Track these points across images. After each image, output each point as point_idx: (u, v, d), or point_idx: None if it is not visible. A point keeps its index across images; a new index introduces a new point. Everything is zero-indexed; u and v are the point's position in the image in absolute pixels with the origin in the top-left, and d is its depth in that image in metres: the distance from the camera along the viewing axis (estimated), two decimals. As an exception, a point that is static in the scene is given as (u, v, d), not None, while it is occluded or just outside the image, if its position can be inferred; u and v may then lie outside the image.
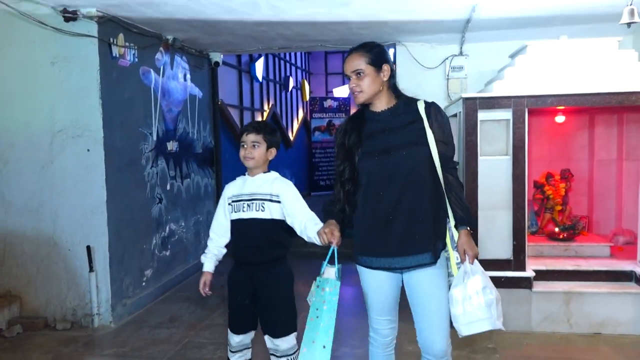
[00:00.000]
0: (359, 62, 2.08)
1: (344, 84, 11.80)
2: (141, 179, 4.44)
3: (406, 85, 2.26)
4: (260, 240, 2.37)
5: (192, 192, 5.49)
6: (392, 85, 2.14)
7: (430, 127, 2.07)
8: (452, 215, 2.07)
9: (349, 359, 3.28)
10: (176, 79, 5.11)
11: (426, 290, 2.03)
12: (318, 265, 2.13)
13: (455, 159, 2.30)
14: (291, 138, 10.02)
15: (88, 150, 3.88)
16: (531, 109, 3.67)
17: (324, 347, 1.97)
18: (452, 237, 2.06)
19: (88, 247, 3.89)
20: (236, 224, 2.43)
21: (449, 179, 2.08)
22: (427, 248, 2.02)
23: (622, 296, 3.58)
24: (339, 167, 2.13)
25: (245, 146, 2.43)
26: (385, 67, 2.11)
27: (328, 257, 2.07)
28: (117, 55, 4.07)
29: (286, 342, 2.45)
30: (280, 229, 2.41)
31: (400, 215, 2.03)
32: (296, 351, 2.48)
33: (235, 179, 2.54)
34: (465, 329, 1.94)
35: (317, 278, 2.08)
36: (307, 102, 11.44)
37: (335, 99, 11.36)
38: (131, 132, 4.28)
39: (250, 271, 2.41)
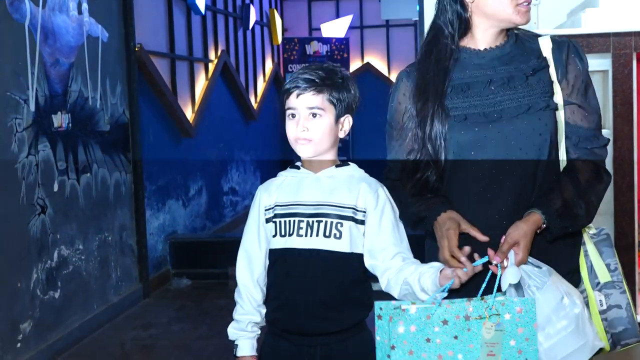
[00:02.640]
0: None
1: (337, 16, 11.80)
2: (11, 174, 4.39)
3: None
4: (332, 291, 2.13)
5: (96, 196, 5.45)
6: None
7: (560, 79, 2.02)
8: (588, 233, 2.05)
9: None
10: (65, 12, 5.06)
11: None
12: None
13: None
14: (254, 105, 10.00)
15: None
16: (641, 54, 3.68)
17: None
18: (590, 269, 2.00)
19: None
20: (282, 259, 2.17)
21: (578, 168, 2.00)
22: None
23: None
24: (406, 145, 2.07)
25: (295, 116, 2.15)
26: None
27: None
28: (-31, -26, 4.02)
29: None
30: (365, 273, 2.18)
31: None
32: None
33: (271, 170, 2.32)
34: None
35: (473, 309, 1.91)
36: (278, 46, 11.42)
37: (325, 41, 11.36)
38: (-6, 98, 4.24)
39: (305, 347, 2.17)
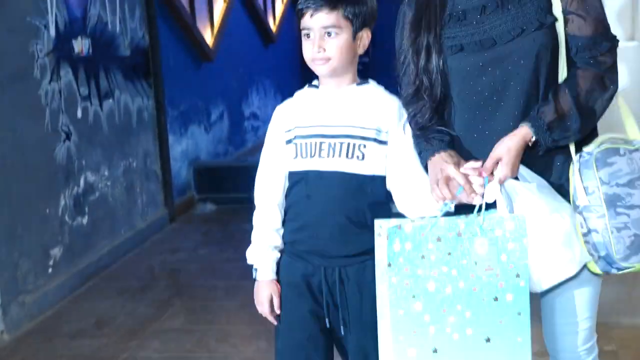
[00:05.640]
0: None
1: None
2: (35, 101, 4.41)
3: None
4: (352, 214, 2.12)
5: (119, 122, 5.47)
6: None
7: None
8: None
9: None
10: None
11: None
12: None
13: None
14: (273, 28, 9.90)
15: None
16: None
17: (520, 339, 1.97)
18: (574, 191, 1.98)
19: (-43, 215, 3.92)
20: (303, 181, 2.16)
21: (578, 77, 1.97)
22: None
23: None
24: (411, 72, 2.06)
25: (310, 36, 2.11)
26: None
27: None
28: None
29: None
30: (387, 196, 2.16)
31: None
32: None
33: (292, 94, 2.25)
34: (542, 282, 1.97)
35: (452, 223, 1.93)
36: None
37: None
38: (13, 24, 4.22)
39: (324, 269, 2.17)
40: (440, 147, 2.02)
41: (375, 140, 2.12)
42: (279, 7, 10.36)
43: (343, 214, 2.12)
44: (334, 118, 2.14)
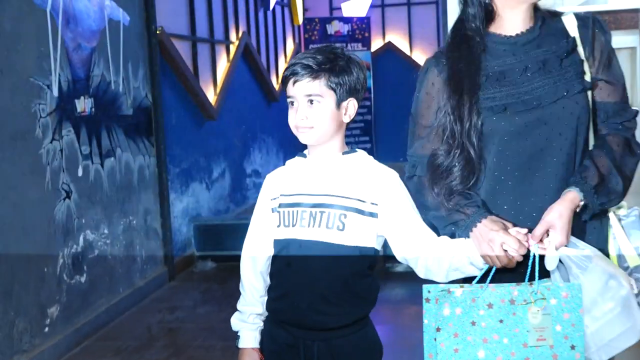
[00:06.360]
0: None
1: (359, -5, 11.74)
2: (36, 160, 4.44)
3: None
4: (332, 285, 2.10)
5: (120, 180, 5.50)
6: None
7: (587, 57, 2.03)
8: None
9: None
10: (87, -4, 5.08)
11: None
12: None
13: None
14: (276, 86, 9.99)
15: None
16: (670, 29, 3.64)
17: None
18: (619, 253, 1.99)
19: (-45, 274, 3.90)
20: (285, 250, 2.15)
21: (610, 142, 2.01)
22: None
23: None
24: (435, 143, 2.06)
25: (294, 104, 2.12)
26: None
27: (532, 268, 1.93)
28: (-10, -40, 4.04)
29: None
30: (370, 268, 2.15)
31: None
32: None
33: (294, 151, 2.27)
34: (602, 353, 1.94)
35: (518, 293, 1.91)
36: (299, 26, 11.38)
37: (346, 21, 11.30)
38: (16, 84, 4.26)
39: (303, 340, 2.15)
40: (481, 215, 1.98)
41: (357, 210, 2.09)
42: (282, 66, 10.46)
43: (322, 285, 2.10)
44: (316, 187, 2.13)
